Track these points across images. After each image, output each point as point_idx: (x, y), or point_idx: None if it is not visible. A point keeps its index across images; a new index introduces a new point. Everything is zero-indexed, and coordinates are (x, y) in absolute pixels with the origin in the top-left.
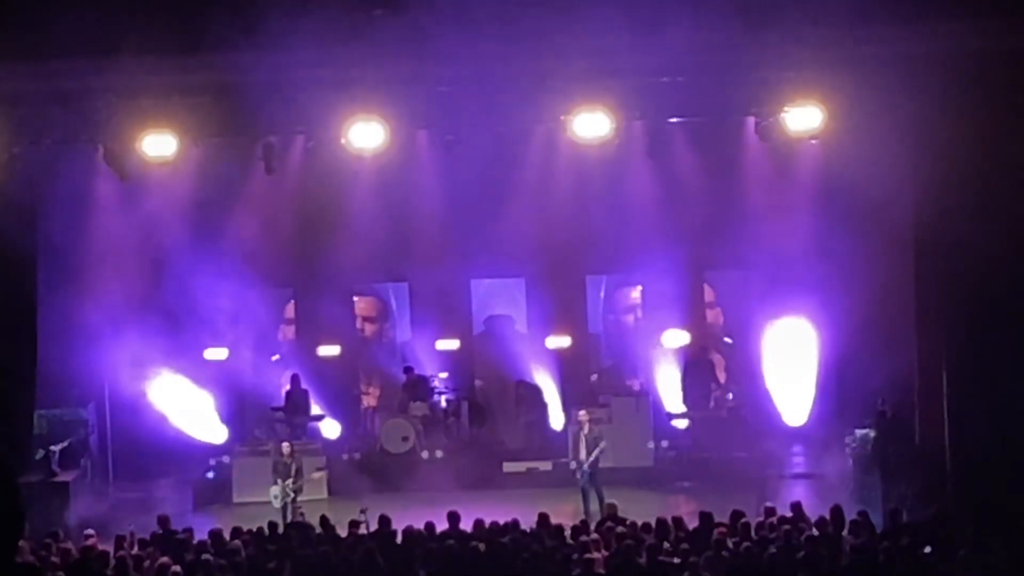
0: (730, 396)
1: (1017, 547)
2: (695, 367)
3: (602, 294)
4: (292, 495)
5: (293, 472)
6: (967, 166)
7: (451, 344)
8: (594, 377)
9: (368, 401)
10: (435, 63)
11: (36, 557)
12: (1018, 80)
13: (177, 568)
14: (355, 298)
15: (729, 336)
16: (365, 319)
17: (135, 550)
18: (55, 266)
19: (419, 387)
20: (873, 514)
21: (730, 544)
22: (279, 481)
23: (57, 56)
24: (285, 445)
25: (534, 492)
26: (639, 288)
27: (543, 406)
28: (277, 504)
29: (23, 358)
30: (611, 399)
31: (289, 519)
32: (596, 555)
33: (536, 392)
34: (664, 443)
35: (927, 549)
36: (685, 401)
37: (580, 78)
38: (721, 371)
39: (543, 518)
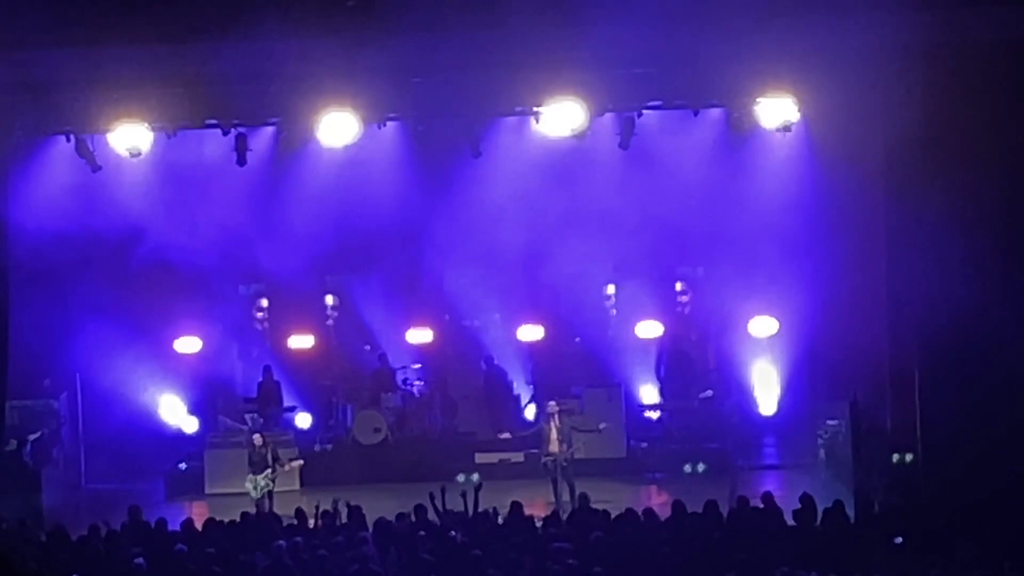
0: (709, 392)
1: (987, 537)
2: (672, 358)
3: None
4: (270, 485)
5: (270, 461)
6: (940, 157)
7: (424, 336)
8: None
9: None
10: (407, 54)
11: (7, 547)
12: (992, 71)
13: (141, 560)
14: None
15: (701, 330)
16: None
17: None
18: (26, 257)
19: (388, 378)
20: (844, 504)
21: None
22: (254, 474)
23: (29, 46)
24: (257, 436)
25: (506, 483)
26: (612, 285)
27: (509, 388)
28: (255, 495)
29: None
30: (583, 390)
31: (266, 510)
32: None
33: (501, 374)
34: None
35: (898, 540)
36: (663, 392)
37: (553, 69)
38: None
39: (516, 506)
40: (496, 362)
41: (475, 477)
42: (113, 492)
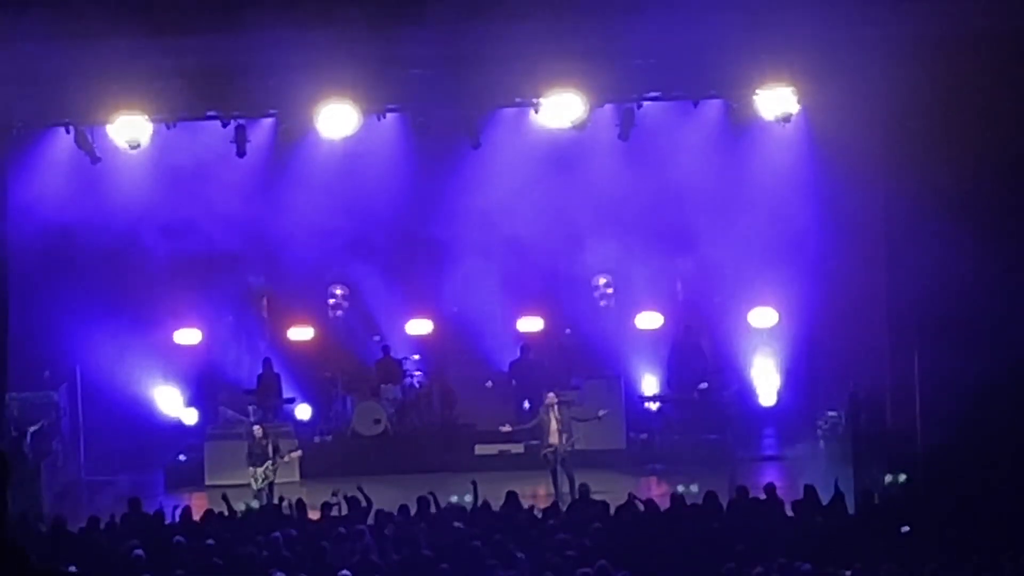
0: (704, 384)
1: (986, 528)
2: (684, 349)
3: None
4: (272, 477)
5: (270, 453)
6: (941, 149)
7: (423, 327)
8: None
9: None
10: (407, 45)
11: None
12: (992, 62)
13: (140, 552)
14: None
15: (701, 321)
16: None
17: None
18: (26, 248)
19: (391, 369)
20: (844, 496)
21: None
22: (254, 466)
23: (28, 38)
24: (257, 428)
25: (505, 474)
26: (607, 276)
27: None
28: (256, 487)
29: None
30: (582, 381)
31: (266, 501)
32: None
33: (531, 365)
34: None
35: (905, 529)
36: (670, 383)
37: (552, 60)
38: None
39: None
40: (531, 354)
41: (467, 498)
42: (113, 484)
